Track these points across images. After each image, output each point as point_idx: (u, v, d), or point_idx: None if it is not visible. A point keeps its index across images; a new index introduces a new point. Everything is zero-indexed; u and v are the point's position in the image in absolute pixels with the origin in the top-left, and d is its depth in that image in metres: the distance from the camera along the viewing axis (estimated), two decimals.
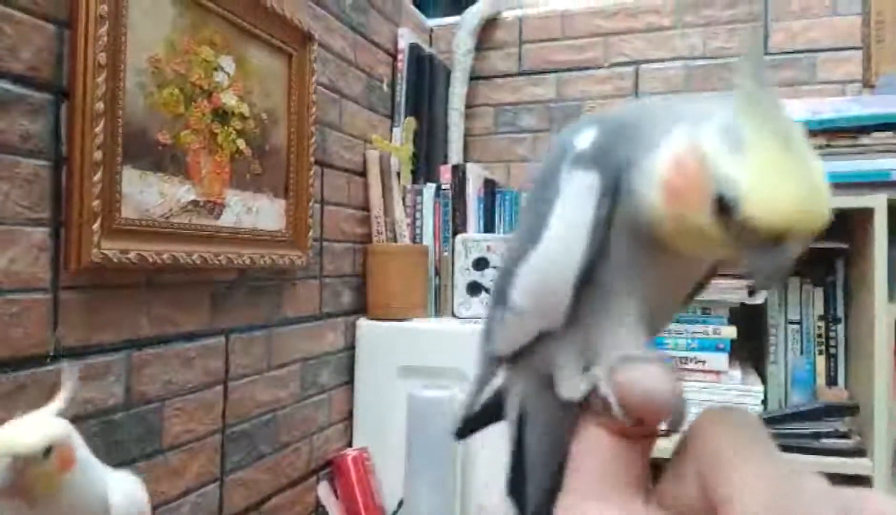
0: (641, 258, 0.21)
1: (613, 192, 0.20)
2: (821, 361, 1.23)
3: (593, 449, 0.21)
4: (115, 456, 0.86)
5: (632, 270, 0.21)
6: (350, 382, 1.39)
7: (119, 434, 0.87)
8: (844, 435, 1.11)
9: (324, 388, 1.31)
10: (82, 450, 0.44)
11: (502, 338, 0.27)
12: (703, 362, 1.23)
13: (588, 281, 0.21)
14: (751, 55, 0.18)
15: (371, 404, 1.37)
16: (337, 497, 1.28)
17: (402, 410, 1.27)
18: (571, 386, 0.22)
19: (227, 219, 1.05)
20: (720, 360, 1.22)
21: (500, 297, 0.26)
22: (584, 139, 0.22)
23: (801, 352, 1.24)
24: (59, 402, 0.44)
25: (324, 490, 1.27)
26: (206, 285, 1.01)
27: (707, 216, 0.18)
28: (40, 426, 0.41)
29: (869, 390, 1.10)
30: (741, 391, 1.21)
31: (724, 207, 0.18)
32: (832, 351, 1.23)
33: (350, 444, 1.38)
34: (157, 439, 0.92)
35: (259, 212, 1.13)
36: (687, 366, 1.24)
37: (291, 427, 1.21)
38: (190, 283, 0.98)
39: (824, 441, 1.11)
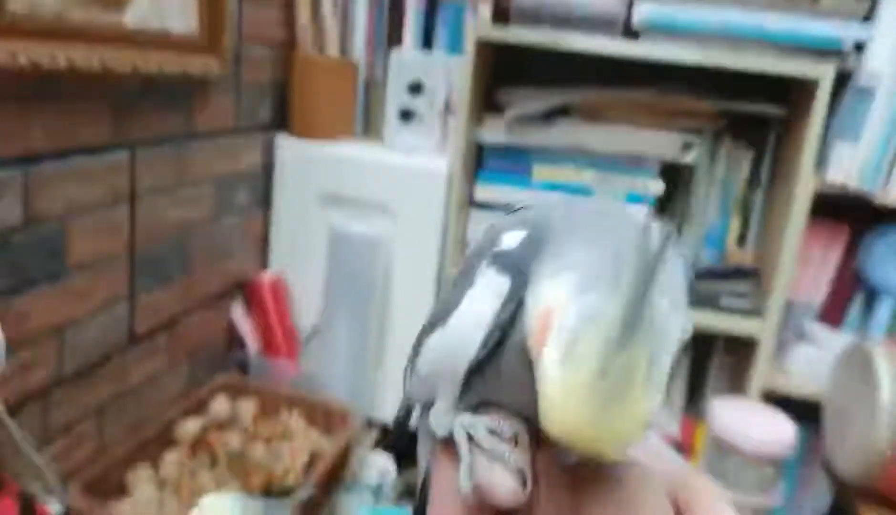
0: (520, 374, 0.21)
1: (518, 303, 0.21)
2: (735, 223, 1.31)
3: (452, 490, 0.23)
4: (16, 279, 0.83)
5: (513, 380, 0.22)
6: (267, 205, 1.37)
7: (19, 256, 0.82)
8: (743, 296, 1.21)
9: (239, 210, 1.28)
10: None
11: (411, 385, 0.28)
12: None
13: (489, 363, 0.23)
14: (643, 262, 0.18)
15: (289, 230, 1.36)
16: (251, 320, 1.30)
17: (322, 239, 1.27)
18: (440, 423, 0.24)
19: (134, 15, 0.93)
20: (640, 213, 1.28)
21: (414, 351, 0.27)
22: (510, 239, 0.23)
23: (720, 213, 1.31)
24: None
25: (238, 313, 1.29)
26: (108, 94, 0.93)
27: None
28: None
29: (775, 256, 1.20)
30: None
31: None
32: (748, 213, 1.31)
33: (265, 268, 1.38)
34: (60, 261, 0.89)
35: (169, 10, 1.01)
36: None
37: (204, 249, 1.19)
38: (90, 92, 0.89)
39: (723, 300, 1.21)
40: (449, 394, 0.24)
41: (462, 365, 0.23)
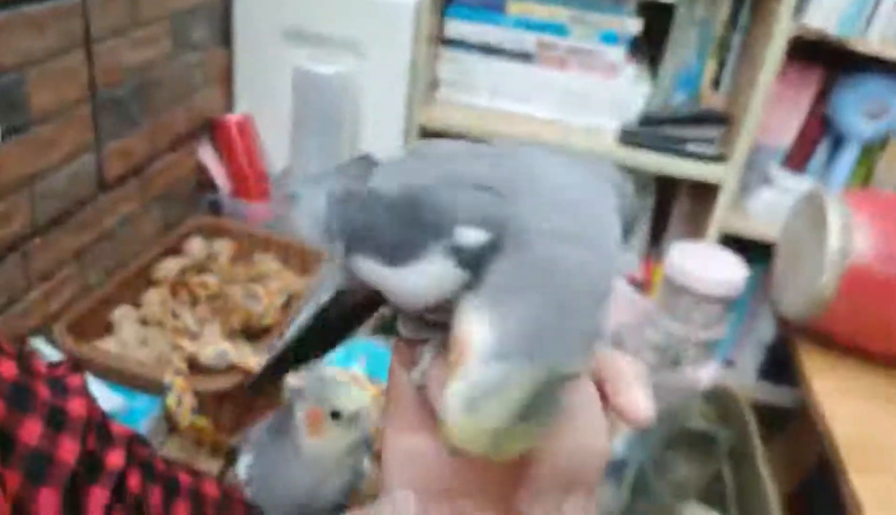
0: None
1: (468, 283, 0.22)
2: (711, 65, 1.32)
3: (405, 390, 0.26)
4: None
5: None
6: (228, 43, 1.34)
7: None
8: (710, 142, 1.26)
9: (198, 47, 1.26)
10: None
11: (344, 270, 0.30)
12: (601, 56, 1.28)
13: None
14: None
15: (253, 68, 1.35)
16: (221, 162, 1.33)
17: (287, 78, 1.27)
18: (407, 327, 0.27)
19: None
20: (618, 55, 1.28)
21: (356, 242, 0.27)
22: (471, 237, 0.22)
23: (697, 55, 1.31)
24: None
25: (207, 155, 1.31)
26: None
27: None
28: None
29: (747, 99, 1.22)
30: (629, 90, 1.30)
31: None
32: (724, 55, 1.31)
33: (231, 109, 1.38)
34: (23, 112, 0.90)
35: None
36: (581, 58, 1.29)
37: (165, 90, 1.19)
38: None
39: (690, 145, 1.26)
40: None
41: (413, 309, 0.25)
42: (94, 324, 1.03)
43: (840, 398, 1.05)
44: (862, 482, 0.89)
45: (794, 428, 1.27)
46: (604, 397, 0.26)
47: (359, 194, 0.27)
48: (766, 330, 1.44)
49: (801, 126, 1.34)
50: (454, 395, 0.20)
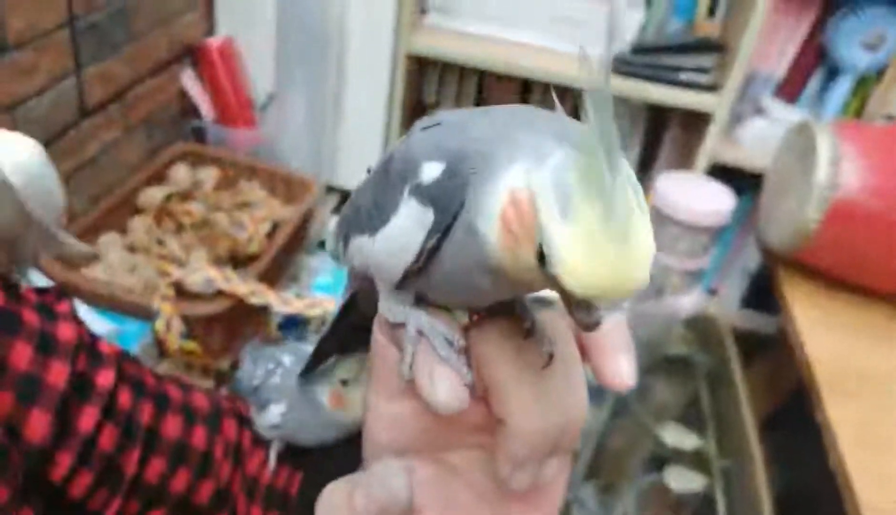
0: (465, 278, 0.23)
1: (446, 229, 0.22)
2: None
3: (386, 357, 0.27)
4: None
5: (451, 286, 0.25)
6: None
7: None
8: (704, 71, 1.26)
9: None
10: None
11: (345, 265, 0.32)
12: None
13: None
14: (597, 90, 0.19)
15: None
16: (204, 87, 1.33)
17: (271, 0, 1.26)
18: (391, 310, 0.27)
19: None
20: None
21: (342, 232, 0.30)
22: (430, 171, 0.23)
23: None
24: None
25: (188, 78, 1.31)
26: None
27: (534, 260, 0.20)
28: None
29: (742, 27, 1.22)
30: (622, 16, 1.29)
31: (543, 261, 0.20)
32: None
33: (212, 33, 1.37)
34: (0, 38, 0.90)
35: None
36: None
37: (145, 13, 1.18)
38: None
39: (683, 74, 1.26)
40: (386, 289, 0.27)
41: (394, 275, 0.25)
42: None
43: (819, 326, 1.08)
44: (837, 408, 0.94)
45: (773, 354, 1.32)
46: (583, 353, 0.26)
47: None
48: (750, 260, 1.48)
49: (796, 55, 1.34)
50: (549, 226, 0.19)
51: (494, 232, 0.21)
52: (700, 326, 1.23)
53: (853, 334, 1.09)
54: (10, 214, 0.44)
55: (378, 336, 0.28)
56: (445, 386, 0.24)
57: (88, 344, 0.43)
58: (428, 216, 0.23)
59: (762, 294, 1.43)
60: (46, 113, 1.01)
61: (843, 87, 1.31)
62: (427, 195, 0.23)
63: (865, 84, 1.32)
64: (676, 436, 1.09)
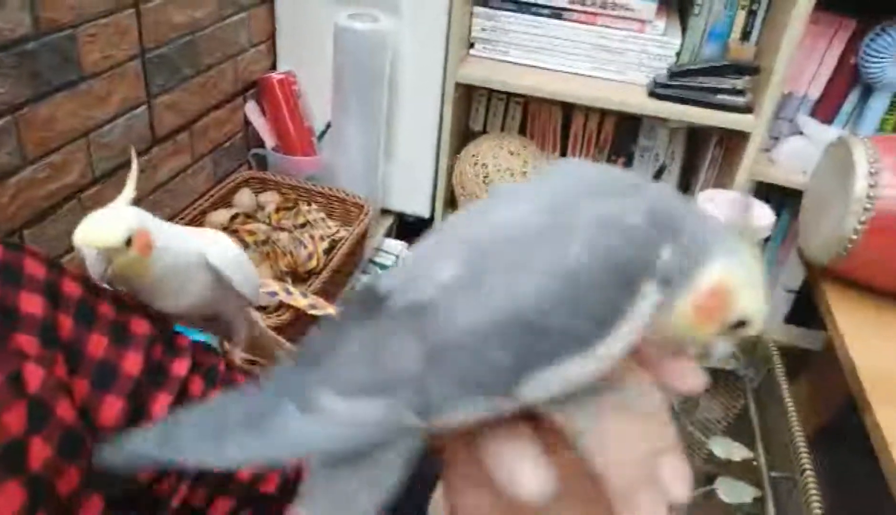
0: None
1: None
2: (741, 16, 1.25)
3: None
4: (34, 87, 0.83)
5: None
6: (271, 0, 1.31)
7: (34, 66, 0.83)
8: (740, 93, 1.20)
9: (242, 7, 1.23)
10: (159, 230, 0.46)
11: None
12: (632, 11, 1.22)
13: None
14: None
15: (295, 26, 1.32)
16: (266, 118, 1.31)
17: (330, 36, 1.24)
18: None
19: None
20: (649, 9, 1.22)
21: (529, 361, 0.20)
22: (667, 253, 0.21)
23: (726, 6, 1.25)
24: (128, 192, 0.46)
25: (252, 110, 1.29)
26: None
27: (720, 330, 0.23)
28: (116, 218, 0.43)
29: (776, 50, 1.16)
30: (660, 43, 1.24)
31: (739, 326, 0.23)
32: (754, 7, 1.24)
33: (274, 67, 1.36)
34: (74, 67, 0.89)
35: None
36: (611, 13, 1.23)
37: (212, 48, 1.17)
38: None
39: (720, 96, 1.20)
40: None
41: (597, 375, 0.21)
42: None
43: (864, 335, 1.01)
44: (887, 415, 0.86)
45: (819, 367, 1.23)
46: (646, 366, 0.24)
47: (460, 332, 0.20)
48: (792, 277, 1.39)
49: (831, 75, 1.27)
50: (746, 294, 0.22)
51: (689, 312, 0.22)
52: (746, 342, 1.15)
53: None
54: (208, 293, 0.49)
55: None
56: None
57: (166, 335, 0.43)
58: (659, 299, 0.22)
59: (805, 311, 1.35)
60: (119, 139, 0.99)
61: (879, 104, 1.23)
62: (665, 278, 0.22)
63: None
64: (726, 448, 1.01)
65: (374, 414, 0.20)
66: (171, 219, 1.13)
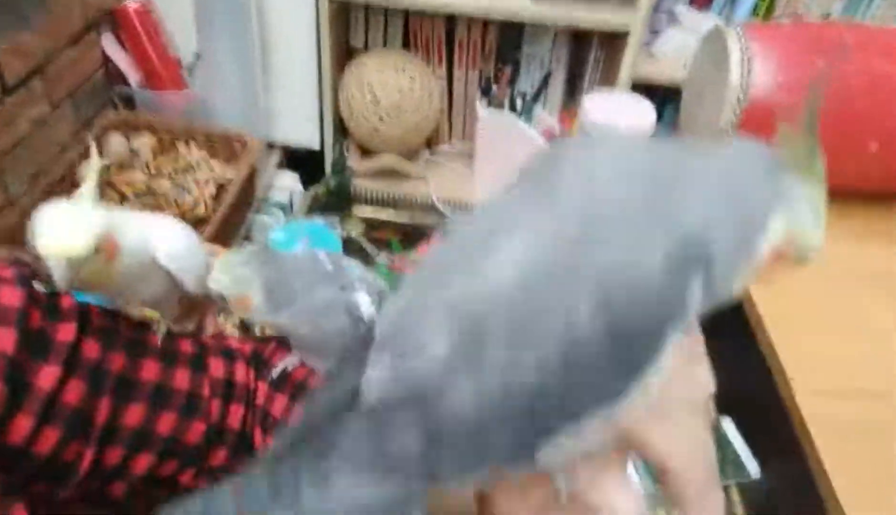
0: None
1: None
2: None
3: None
4: None
5: None
6: None
7: None
8: None
9: None
10: (120, 227, 0.44)
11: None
12: None
13: None
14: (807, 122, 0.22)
15: None
16: (126, 52, 1.24)
17: None
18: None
19: None
20: None
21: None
22: (696, 286, 0.20)
23: None
24: (89, 186, 0.43)
25: (109, 44, 1.22)
26: None
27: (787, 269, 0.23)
28: (81, 224, 0.40)
29: None
30: None
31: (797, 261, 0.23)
32: None
33: None
34: None
35: None
36: None
37: None
38: None
39: None
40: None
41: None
42: (24, 234, 0.99)
43: None
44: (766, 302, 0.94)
45: None
46: None
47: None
48: None
49: None
50: (808, 234, 0.22)
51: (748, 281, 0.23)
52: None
53: None
54: (163, 289, 0.48)
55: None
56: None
57: (44, 302, 0.41)
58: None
59: None
60: None
61: None
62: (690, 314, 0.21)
63: None
64: None
65: (382, 495, 0.21)
66: (36, 176, 1.08)
